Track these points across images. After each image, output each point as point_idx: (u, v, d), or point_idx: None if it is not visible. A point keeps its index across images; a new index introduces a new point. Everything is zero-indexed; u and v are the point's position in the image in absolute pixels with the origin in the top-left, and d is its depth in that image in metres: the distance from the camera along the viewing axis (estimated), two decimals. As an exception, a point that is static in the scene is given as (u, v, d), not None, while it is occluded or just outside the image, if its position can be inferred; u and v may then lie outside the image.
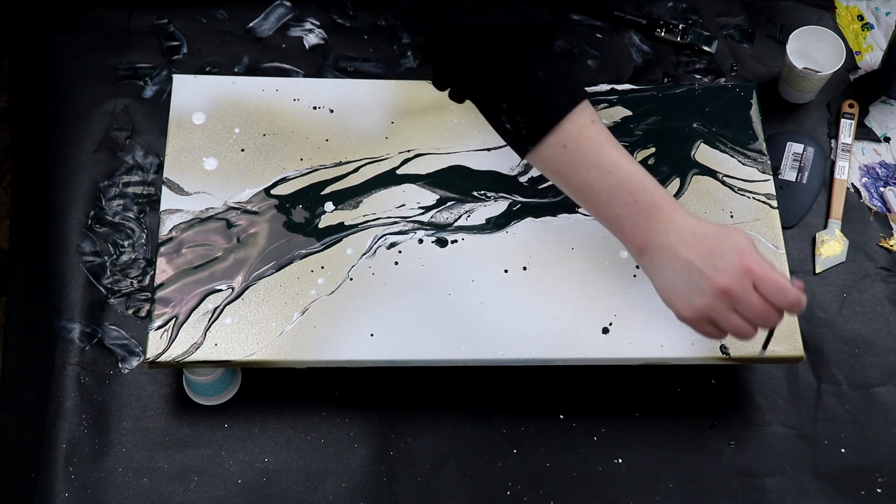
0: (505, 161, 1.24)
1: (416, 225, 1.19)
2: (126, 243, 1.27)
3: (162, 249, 1.16)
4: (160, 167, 1.31)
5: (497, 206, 1.21)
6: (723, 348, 1.14)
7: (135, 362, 1.21)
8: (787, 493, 1.18)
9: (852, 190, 1.36)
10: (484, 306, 1.15)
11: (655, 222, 0.99)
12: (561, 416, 1.21)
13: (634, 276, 1.18)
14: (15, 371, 1.22)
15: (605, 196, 1.00)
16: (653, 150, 1.25)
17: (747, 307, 0.95)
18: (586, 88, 1.28)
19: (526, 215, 1.21)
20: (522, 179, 1.23)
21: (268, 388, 1.20)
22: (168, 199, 1.19)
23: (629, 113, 1.27)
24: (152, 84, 1.38)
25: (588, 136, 1.00)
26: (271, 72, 1.39)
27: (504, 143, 1.24)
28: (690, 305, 0.97)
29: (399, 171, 1.22)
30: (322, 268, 1.16)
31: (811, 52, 1.38)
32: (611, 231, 1.03)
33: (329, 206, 1.20)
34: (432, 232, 1.19)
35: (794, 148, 1.36)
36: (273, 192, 1.20)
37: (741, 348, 1.14)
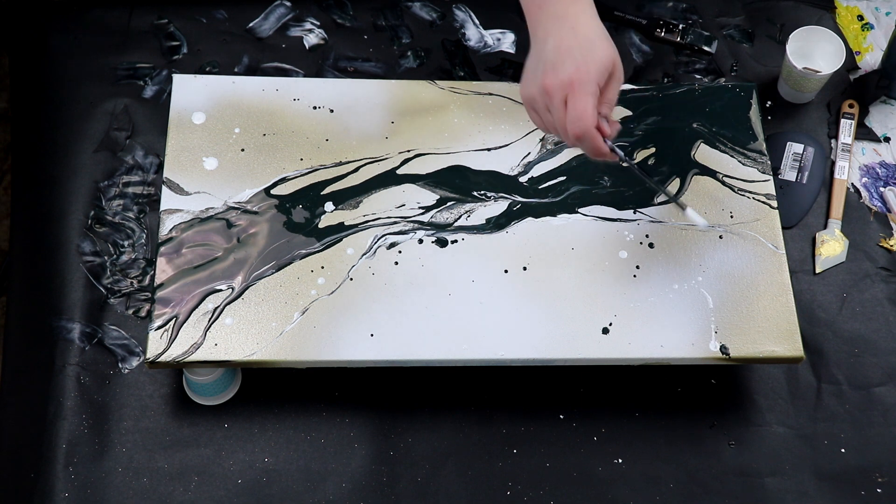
0: (505, 161, 1.24)
1: (416, 225, 1.19)
2: (126, 243, 1.27)
3: (162, 249, 1.16)
4: (160, 167, 1.31)
5: (497, 206, 1.21)
6: (723, 348, 1.14)
7: (135, 362, 1.21)
8: (787, 493, 1.18)
9: (852, 190, 1.36)
10: (484, 306, 1.15)
11: (551, 7, 1.01)
12: (561, 416, 1.21)
13: (634, 276, 1.18)
14: (15, 371, 1.22)
15: None
16: (653, 150, 1.25)
17: (552, 115, 1.01)
18: None
19: (526, 215, 1.21)
20: (522, 179, 1.23)
21: (268, 388, 1.20)
22: (168, 199, 1.19)
23: (629, 113, 1.27)
24: (152, 84, 1.38)
25: None
26: (271, 72, 1.39)
27: (504, 143, 1.25)
28: (525, 88, 1.03)
29: (399, 171, 1.22)
30: (322, 268, 1.16)
31: (811, 52, 1.38)
32: (522, 5, 1.05)
33: (329, 206, 1.20)
34: (432, 232, 1.19)
35: (794, 148, 1.36)
36: (273, 192, 1.20)
37: (741, 348, 1.14)
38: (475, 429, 1.20)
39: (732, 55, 1.44)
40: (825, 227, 1.33)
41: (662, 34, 1.44)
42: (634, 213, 1.21)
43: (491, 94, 1.27)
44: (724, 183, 1.24)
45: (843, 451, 1.21)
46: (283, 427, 1.19)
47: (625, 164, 1.09)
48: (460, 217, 1.20)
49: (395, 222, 1.19)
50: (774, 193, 1.23)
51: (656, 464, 1.19)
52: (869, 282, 1.30)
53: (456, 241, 1.19)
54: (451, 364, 1.13)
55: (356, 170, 1.22)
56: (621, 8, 1.46)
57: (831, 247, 1.31)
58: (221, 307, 1.14)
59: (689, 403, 1.22)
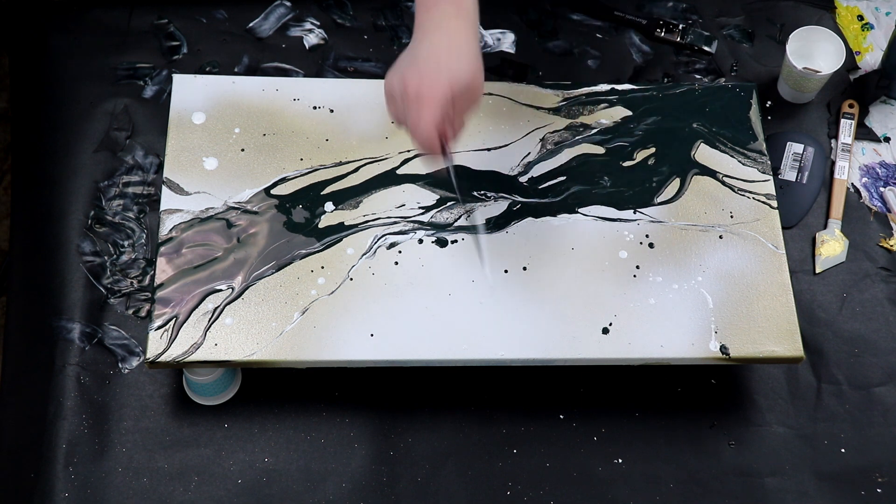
0: (505, 161, 1.24)
1: (416, 225, 1.19)
2: (126, 243, 1.27)
3: (162, 249, 1.16)
4: (160, 167, 1.31)
5: (497, 206, 1.21)
6: (723, 348, 1.14)
7: (135, 362, 1.21)
8: (787, 493, 1.18)
9: (852, 190, 1.36)
10: (484, 306, 1.15)
11: (434, 15, 1.05)
12: (561, 416, 1.21)
13: (634, 276, 1.18)
14: (15, 371, 1.22)
15: None
16: (653, 150, 1.25)
17: (404, 110, 1.04)
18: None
19: (526, 215, 1.21)
20: (522, 179, 1.23)
21: (268, 388, 1.20)
22: (168, 199, 1.19)
23: (629, 113, 1.27)
24: (152, 84, 1.38)
25: None
26: (271, 72, 1.39)
27: (504, 143, 1.24)
28: (389, 77, 1.05)
29: (399, 171, 1.22)
30: (322, 268, 1.16)
31: (811, 52, 1.38)
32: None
33: (329, 206, 1.20)
34: (432, 232, 1.19)
35: (794, 148, 1.36)
36: (273, 192, 1.20)
37: (741, 348, 1.14)
38: (475, 429, 1.20)
39: (732, 55, 1.44)
40: (825, 227, 1.33)
41: (662, 34, 1.44)
42: (634, 213, 1.21)
43: (491, 94, 1.27)
44: (724, 183, 1.24)
45: (843, 451, 1.21)
46: (283, 427, 1.19)
47: (448, 170, 1.11)
48: (460, 217, 1.20)
49: (395, 222, 1.19)
50: (774, 193, 1.23)
51: (656, 464, 1.19)
52: (869, 282, 1.30)
53: (456, 241, 1.19)
54: (451, 364, 1.13)
55: (356, 170, 1.22)
56: (621, 8, 1.46)
57: (831, 247, 1.31)
58: (221, 307, 1.14)
59: (689, 403, 1.22)
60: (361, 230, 1.19)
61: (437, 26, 1.05)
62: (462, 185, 1.19)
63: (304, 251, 1.17)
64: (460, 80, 1.02)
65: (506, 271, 1.17)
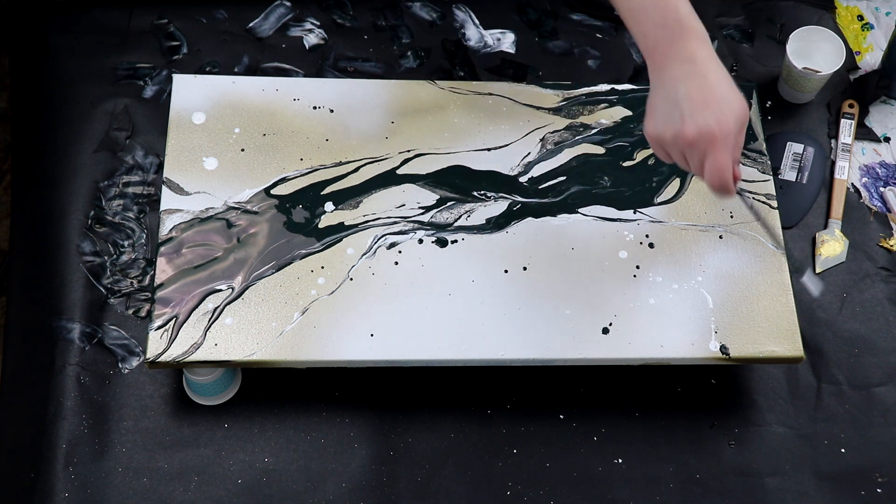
0: (505, 161, 1.24)
1: (416, 225, 1.19)
2: (126, 243, 1.27)
3: (162, 249, 1.16)
4: (160, 167, 1.31)
5: (497, 206, 1.21)
6: (723, 348, 1.14)
7: (135, 362, 1.21)
8: (787, 493, 1.18)
9: (852, 190, 1.36)
10: (484, 306, 1.15)
11: (679, 49, 1.01)
12: (561, 416, 1.21)
13: (634, 276, 1.18)
14: (15, 371, 1.22)
15: (639, 12, 1.04)
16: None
17: (688, 161, 1.03)
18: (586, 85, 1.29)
19: (526, 215, 1.21)
20: (522, 179, 1.23)
21: (268, 388, 1.20)
22: (168, 199, 1.19)
23: (629, 113, 1.27)
24: (152, 84, 1.38)
25: None
26: (271, 72, 1.39)
27: (504, 143, 1.24)
28: (655, 129, 1.03)
29: (399, 171, 1.22)
30: (322, 268, 1.16)
31: (811, 52, 1.38)
32: (638, 45, 1.05)
33: (329, 206, 1.20)
34: (432, 232, 1.19)
35: (794, 148, 1.36)
36: (273, 192, 1.20)
37: (741, 348, 1.14)
38: (475, 429, 1.20)
39: (732, 55, 1.44)
40: (825, 227, 1.33)
41: (662, 34, 1.44)
42: (634, 213, 1.21)
43: (491, 94, 1.27)
44: (724, 183, 1.24)
45: (843, 451, 1.21)
46: (283, 427, 1.19)
47: (750, 209, 1.14)
48: (460, 217, 1.20)
49: (395, 222, 1.19)
50: (774, 193, 1.23)
51: (656, 464, 1.19)
52: (869, 282, 1.30)
53: (456, 241, 1.19)
54: (451, 364, 1.13)
55: (356, 170, 1.22)
56: (621, 8, 1.46)
57: (831, 247, 1.31)
58: (221, 307, 1.14)
59: (689, 403, 1.22)
60: (361, 230, 1.19)
61: (686, 62, 1.01)
62: (759, 213, 1.17)
63: (304, 251, 1.17)
64: (737, 116, 1.00)
65: (506, 271, 1.17)
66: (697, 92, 1.00)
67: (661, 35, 1.02)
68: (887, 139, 1.39)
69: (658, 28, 1.02)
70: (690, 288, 1.17)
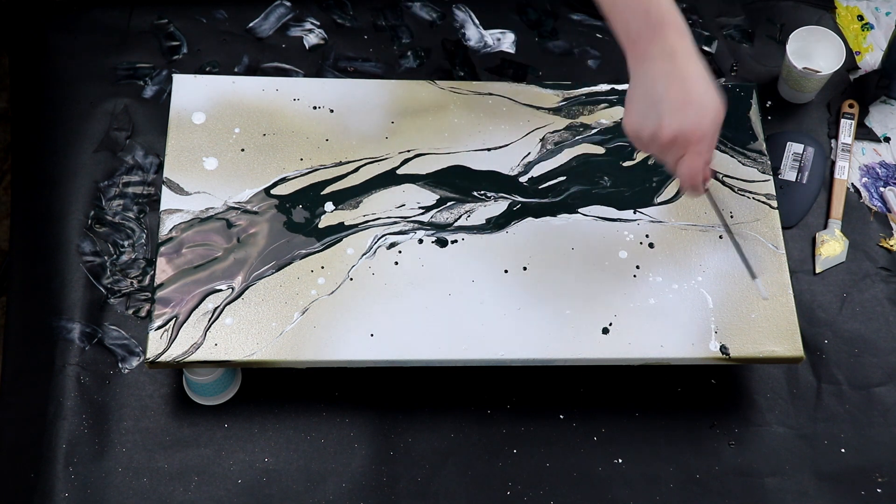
0: (505, 161, 1.24)
1: (416, 225, 1.19)
2: (126, 243, 1.27)
3: (162, 249, 1.16)
4: (160, 167, 1.31)
5: (497, 206, 1.21)
6: (723, 348, 1.14)
7: (135, 362, 1.21)
8: (787, 493, 1.18)
9: (852, 190, 1.36)
10: (484, 306, 1.15)
11: (659, 43, 1.01)
12: (561, 416, 1.21)
13: (634, 276, 1.18)
14: (15, 371, 1.22)
15: (620, 4, 1.04)
16: (653, 150, 1.25)
17: (664, 157, 1.04)
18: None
19: (526, 215, 1.21)
20: (522, 179, 1.23)
21: (268, 388, 1.20)
22: (168, 199, 1.19)
23: (629, 113, 1.27)
24: (152, 84, 1.38)
25: None
26: (271, 72, 1.39)
27: (504, 143, 1.24)
28: (633, 124, 1.03)
29: (399, 171, 1.22)
30: (322, 268, 1.16)
31: (811, 52, 1.38)
32: (618, 38, 1.05)
33: (329, 206, 1.20)
34: (432, 232, 1.19)
35: (794, 148, 1.36)
36: (273, 192, 1.20)
37: (741, 348, 1.14)
38: (475, 429, 1.20)
39: (732, 55, 1.44)
40: (825, 227, 1.33)
41: (662, 34, 1.44)
42: (634, 213, 1.21)
43: (491, 94, 1.27)
44: (724, 183, 1.24)
45: (843, 451, 1.21)
46: (283, 427, 1.19)
47: (715, 207, 1.14)
48: (460, 217, 1.20)
49: (395, 222, 1.19)
50: (774, 193, 1.23)
51: (656, 464, 1.19)
52: (869, 282, 1.30)
53: (456, 241, 1.19)
54: (451, 364, 1.13)
55: (356, 170, 1.22)
56: (621, 8, 1.45)
57: (831, 247, 1.31)
58: (221, 307, 1.14)
59: (689, 403, 1.22)
60: (361, 230, 1.19)
61: (666, 56, 1.00)
62: (723, 212, 1.18)
63: (304, 251, 1.17)
64: (713, 117, 1.00)
65: (506, 271, 1.17)
66: (676, 93, 1.00)
67: (642, 28, 1.02)
68: (887, 139, 1.39)
69: (638, 20, 1.02)
70: (690, 288, 1.17)
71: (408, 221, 1.20)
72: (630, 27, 1.03)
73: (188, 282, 1.14)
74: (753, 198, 1.23)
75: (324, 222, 1.19)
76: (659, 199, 1.22)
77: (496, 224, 1.20)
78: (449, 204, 1.21)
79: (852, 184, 1.36)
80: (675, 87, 1.00)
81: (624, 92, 1.28)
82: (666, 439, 1.20)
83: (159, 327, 1.12)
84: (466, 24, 1.44)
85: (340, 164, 1.22)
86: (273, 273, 1.16)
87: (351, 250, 1.17)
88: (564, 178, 1.23)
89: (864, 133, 1.40)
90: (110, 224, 1.28)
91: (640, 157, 1.25)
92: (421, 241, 1.19)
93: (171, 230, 1.17)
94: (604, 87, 1.29)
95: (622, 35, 1.04)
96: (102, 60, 1.39)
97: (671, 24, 1.01)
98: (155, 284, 1.14)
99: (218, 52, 1.40)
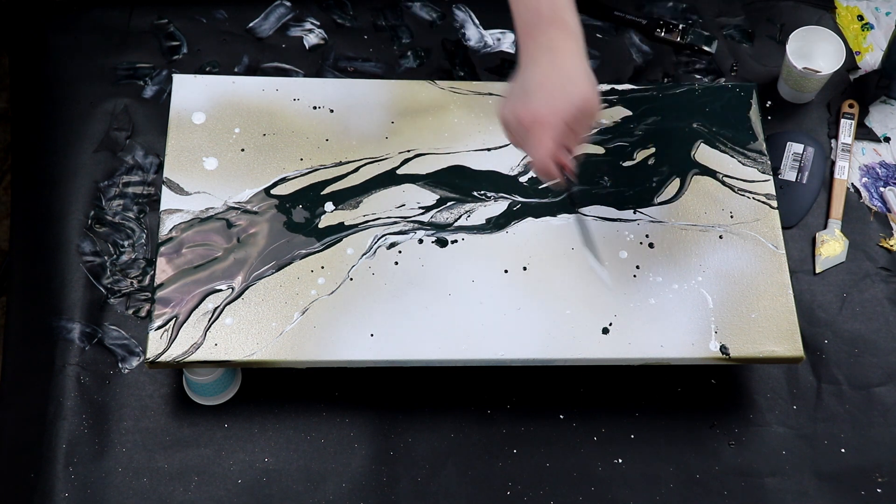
0: (505, 161, 1.24)
1: (416, 225, 1.19)
2: (126, 243, 1.27)
3: (162, 249, 1.16)
4: (160, 167, 1.31)
5: (497, 206, 1.21)
6: (723, 348, 1.14)
7: (135, 362, 1.21)
8: (787, 493, 1.18)
9: (852, 190, 1.36)
10: (484, 306, 1.15)
11: (545, 37, 1.03)
12: (561, 416, 1.21)
13: (634, 276, 1.18)
14: (15, 371, 1.22)
15: None
16: (653, 150, 1.25)
17: (521, 141, 1.05)
18: None
19: (526, 215, 1.21)
20: (522, 179, 1.23)
21: (268, 388, 1.20)
22: (168, 199, 1.19)
23: (629, 113, 1.27)
24: (152, 84, 1.38)
25: None
26: (271, 72, 1.39)
27: (504, 143, 1.24)
28: (502, 109, 1.04)
29: (399, 171, 1.22)
30: (322, 268, 1.16)
31: (811, 52, 1.38)
32: (514, 27, 1.06)
33: (329, 206, 1.20)
34: (432, 232, 1.19)
35: (794, 148, 1.36)
36: (273, 192, 1.20)
37: (741, 348, 1.14)
38: (475, 429, 1.20)
39: (732, 55, 1.44)
40: (825, 227, 1.33)
41: (662, 34, 1.44)
42: (634, 213, 1.21)
43: (491, 94, 1.27)
44: (724, 183, 1.24)
45: (843, 451, 1.21)
46: (283, 427, 1.19)
47: (573, 206, 1.14)
48: (460, 217, 1.20)
49: (395, 222, 1.19)
50: (774, 193, 1.23)
51: (656, 464, 1.19)
52: (869, 282, 1.30)
53: (456, 241, 1.19)
54: (451, 364, 1.13)
55: (356, 170, 1.22)
56: (621, 8, 1.46)
57: (831, 247, 1.31)
58: (221, 307, 1.14)
59: (689, 403, 1.22)
60: (361, 230, 1.19)
61: (547, 50, 1.02)
62: (587, 233, 1.17)
63: (304, 251, 1.17)
64: (573, 104, 1.01)
65: (506, 271, 1.17)
66: (543, 77, 1.01)
67: (534, 21, 1.03)
68: (887, 139, 1.39)
69: (532, 13, 1.03)
70: (690, 288, 1.17)
71: (408, 221, 1.20)
72: (523, 17, 1.05)
73: (188, 282, 1.14)
74: (753, 198, 1.23)
75: (324, 222, 1.19)
76: (659, 199, 1.22)
77: (496, 224, 1.20)
78: (449, 204, 1.21)
79: (852, 184, 1.36)
80: (543, 74, 1.02)
81: (624, 92, 1.29)
82: (666, 439, 1.20)
83: (159, 327, 1.12)
84: (466, 24, 1.44)
85: (340, 164, 1.22)
86: (273, 273, 1.16)
87: (351, 250, 1.17)
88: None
89: (864, 133, 1.40)
90: (110, 224, 1.28)
91: (639, 157, 1.25)
92: (421, 241, 1.19)
93: (171, 230, 1.17)
94: (604, 87, 1.29)
95: (517, 23, 1.06)
96: (102, 60, 1.39)
97: (562, 22, 1.03)
98: (155, 284, 1.14)
99: (218, 52, 1.40)
